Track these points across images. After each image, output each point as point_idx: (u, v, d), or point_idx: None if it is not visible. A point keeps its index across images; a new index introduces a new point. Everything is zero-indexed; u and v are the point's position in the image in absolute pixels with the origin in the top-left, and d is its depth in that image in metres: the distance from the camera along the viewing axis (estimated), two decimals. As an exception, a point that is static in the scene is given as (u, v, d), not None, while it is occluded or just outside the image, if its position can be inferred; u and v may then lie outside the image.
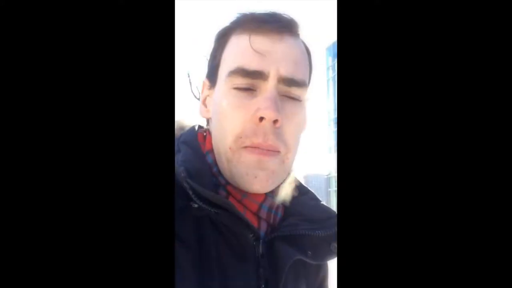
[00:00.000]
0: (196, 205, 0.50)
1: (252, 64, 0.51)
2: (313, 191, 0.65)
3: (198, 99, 0.64)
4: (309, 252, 0.56)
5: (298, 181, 0.65)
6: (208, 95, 0.60)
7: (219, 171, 0.55)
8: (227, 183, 0.55)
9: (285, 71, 0.51)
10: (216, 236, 0.51)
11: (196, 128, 0.62)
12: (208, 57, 0.61)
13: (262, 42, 0.52)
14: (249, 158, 0.51)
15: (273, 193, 0.57)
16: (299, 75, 0.53)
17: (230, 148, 0.52)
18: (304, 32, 0.57)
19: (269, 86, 0.51)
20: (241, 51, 0.53)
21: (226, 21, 0.57)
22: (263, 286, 0.52)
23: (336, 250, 0.57)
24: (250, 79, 0.51)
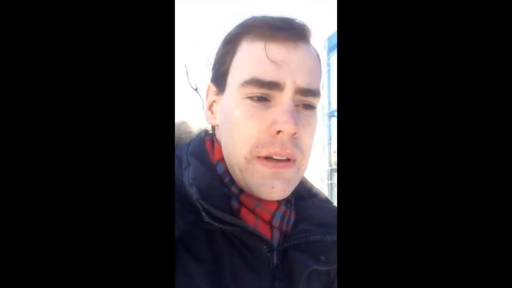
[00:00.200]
0: (208, 220, 0.49)
1: (268, 74, 0.49)
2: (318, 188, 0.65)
3: (195, 89, 0.62)
4: (322, 257, 0.56)
5: (309, 182, 0.65)
6: (214, 101, 0.58)
7: (231, 181, 0.55)
8: (240, 192, 0.54)
9: (302, 82, 0.50)
10: (230, 250, 0.51)
11: (203, 134, 0.61)
12: (213, 61, 0.59)
13: (277, 51, 0.50)
14: (264, 169, 0.50)
15: (285, 200, 0.56)
16: (314, 84, 0.52)
17: (245, 158, 0.51)
18: (315, 38, 0.56)
19: (285, 97, 0.50)
20: (255, 60, 0.51)
21: (235, 25, 0.55)
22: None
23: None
24: (265, 89, 0.50)
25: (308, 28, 0.54)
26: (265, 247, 0.52)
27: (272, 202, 0.54)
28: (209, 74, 0.63)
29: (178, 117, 0.66)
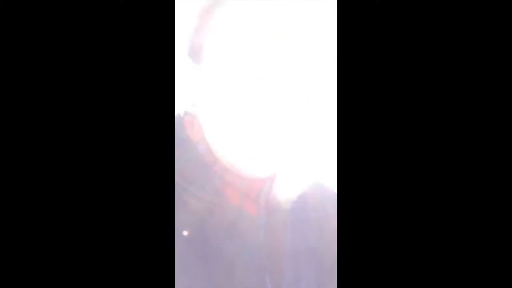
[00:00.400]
0: (193, 201, 0.49)
1: (239, 52, 0.49)
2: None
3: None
4: (310, 234, 0.56)
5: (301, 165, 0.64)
6: (190, 75, 0.56)
7: (214, 160, 0.53)
8: (224, 171, 0.53)
9: (275, 49, 0.49)
10: (216, 227, 0.51)
11: (182, 114, 0.59)
12: (189, 35, 0.57)
13: (259, 5, 0.49)
14: (245, 143, 0.50)
15: (271, 177, 0.56)
16: (289, 53, 0.51)
17: (224, 135, 0.50)
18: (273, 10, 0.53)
19: (261, 71, 0.49)
20: (235, 18, 0.50)
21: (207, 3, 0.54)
22: (268, 277, 0.52)
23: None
24: (240, 68, 0.49)
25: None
26: (250, 224, 0.52)
27: (257, 180, 0.54)
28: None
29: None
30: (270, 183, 0.55)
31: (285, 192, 0.58)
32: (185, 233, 0.49)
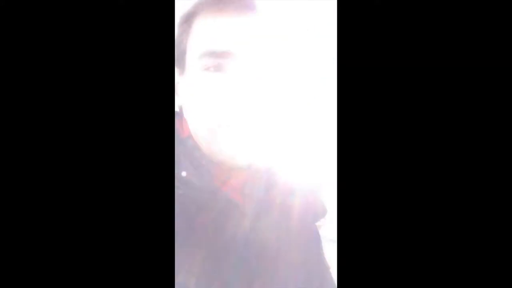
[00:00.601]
0: (180, 191, 0.50)
1: (220, 45, 0.51)
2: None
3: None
4: (294, 216, 0.57)
5: (287, 158, 0.65)
6: (178, 83, 0.60)
7: (201, 155, 0.56)
8: (211, 165, 0.55)
9: (254, 49, 0.51)
10: (203, 216, 0.52)
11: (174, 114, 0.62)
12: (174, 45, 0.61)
13: (227, 22, 0.52)
14: (227, 135, 0.51)
15: (256, 168, 0.57)
16: (267, 51, 0.53)
17: (207, 129, 0.52)
18: (271, 10, 0.56)
19: (240, 66, 0.51)
20: (207, 33, 0.53)
21: (188, 6, 0.57)
22: (254, 265, 0.53)
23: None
24: (220, 59, 0.51)
25: (257, 2, 0.54)
26: (237, 212, 0.53)
27: (242, 173, 0.55)
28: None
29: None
30: (256, 174, 0.57)
31: (275, 185, 0.60)
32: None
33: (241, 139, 0.52)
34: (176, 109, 0.63)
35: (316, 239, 0.65)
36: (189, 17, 0.56)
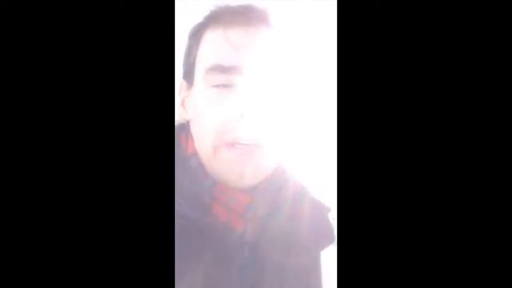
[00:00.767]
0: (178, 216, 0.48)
1: (228, 59, 0.49)
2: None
3: None
4: (295, 250, 0.55)
5: (286, 171, 0.62)
6: (186, 96, 0.58)
7: (204, 174, 0.54)
8: (212, 186, 0.53)
9: (265, 64, 0.50)
10: (201, 240, 0.50)
11: (179, 130, 0.60)
12: (183, 57, 0.59)
13: (237, 35, 0.50)
14: (230, 155, 0.50)
15: (259, 192, 0.55)
16: (279, 67, 0.51)
17: (212, 146, 0.50)
18: (283, 23, 0.54)
19: (248, 82, 0.50)
20: (216, 46, 0.51)
21: (200, 17, 0.55)
22: None
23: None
24: (228, 74, 0.50)
25: (271, 12, 0.53)
26: (236, 240, 0.52)
27: (245, 195, 0.53)
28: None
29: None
30: (260, 197, 0.55)
31: (275, 206, 0.57)
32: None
33: (247, 159, 0.50)
34: (176, 121, 0.61)
35: (316, 269, 0.61)
36: (199, 29, 0.54)
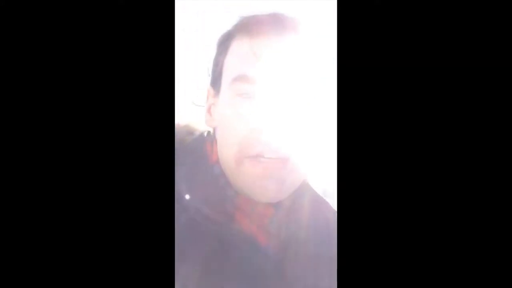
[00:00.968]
0: (199, 220, 0.48)
1: (253, 69, 0.49)
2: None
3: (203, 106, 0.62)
4: (321, 270, 0.53)
5: (313, 190, 0.62)
6: (213, 104, 0.57)
7: (226, 183, 0.53)
8: (235, 195, 0.52)
9: (291, 74, 0.49)
10: (222, 254, 0.48)
11: (205, 135, 0.60)
12: (211, 64, 0.58)
13: (262, 44, 0.49)
14: (254, 169, 0.49)
15: (283, 205, 0.54)
16: (305, 76, 0.50)
17: (234, 159, 0.49)
18: (308, 31, 0.53)
19: (274, 92, 0.49)
20: (242, 56, 0.50)
21: (227, 26, 0.55)
22: None
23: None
24: (252, 85, 0.49)
25: (297, 21, 0.52)
26: (258, 253, 0.50)
27: (268, 207, 0.52)
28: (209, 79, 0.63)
29: (182, 120, 0.65)
30: (283, 210, 0.53)
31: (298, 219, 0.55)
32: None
33: (271, 174, 0.48)
34: (211, 131, 0.60)
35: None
36: (227, 38, 0.54)
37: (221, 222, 0.48)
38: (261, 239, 0.51)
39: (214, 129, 0.58)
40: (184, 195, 0.49)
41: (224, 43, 0.54)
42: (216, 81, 0.55)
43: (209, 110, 0.58)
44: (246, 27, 0.52)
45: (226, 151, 0.51)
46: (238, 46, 0.52)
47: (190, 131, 0.62)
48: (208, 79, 0.61)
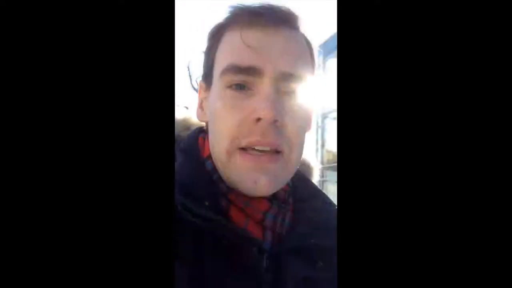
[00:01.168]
0: (190, 218, 0.46)
1: (245, 59, 0.47)
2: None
3: (197, 90, 0.60)
4: (320, 263, 0.52)
5: (312, 182, 0.61)
6: (204, 98, 0.56)
7: (219, 178, 0.52)
8: (228, 190, 0.51)
9: (284, 67, 0.48)
10: (216, 250, 0.47)
11: (198, 131, 0.59)
12: (203, 57, 0.57)
13: (255, 36, 0.48)
14: (245, 162, 0.48)
15: (279, 199, 0.53)
16: (298, 70, 0.49)
17: (226, 151, 0.49)
18: (305, 25, 0.53)
19: (266, 84, 0.47)
20: (233, 47, 0.49)
21: (219, 18, 0.54)
22: None
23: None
24: (243, 76, 0.48)
25: (293, 14, 0.51)
26: (254, 248, 0.48)
27: (262, 201, 0.51)
28: (197, 77, 0.62)
29: (178, 114, 0.65)
30: (278, 205, 0.52)
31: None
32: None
33: (263, 166, 0.47)
34: (204, 126, 0.59)
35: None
36: (219, 30, 0.53)
37: (214, 219, 0.46)
38: (256, 232, 0.50)
39: (207, 124, 0.57)
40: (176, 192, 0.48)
41: (216, 35, 0.53)
42: (207, 75, 0.54)
43: (200, 105, 0.58)
44: (239, 18, 0.50)
45: (218, 144, 0.50)
46: (229, 37, 0.51)
47: (186, 126, 0.62)
48: (187, 79, 0.60)
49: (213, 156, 0.52)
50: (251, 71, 0.47)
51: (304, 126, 0.53)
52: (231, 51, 0.49)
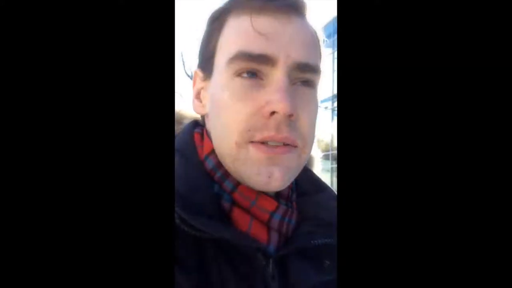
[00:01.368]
0: (187, 230, 0.43)
1: (256, 46, 0.44)
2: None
3: (191, 77, 0.55)
4: (327, 262, 0.50)
5: (316, 175, 0.58)
6: (202, 88, 0.52)
7: (223, 175, 0.49)
8: (234, 188, 0.48)
9: (298, 56, 0.45)
10: (220, 257, 0.45)
11: (192, 126, 0.55)
12: (200, 44, 0.53)
13: (267, 22, 0.45)
14: (259, 154, 0.44)
15: (285, 198, 0.51)
16: (312, 59, 0.46)
17: (235, 144, 0.45)
18: (311, 14, 0.50)
19: (279, 74, 0.44)
20: (242, 33, 0.45)
21: (220, 2, 0.50)
22: None
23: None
24: (255, 64, 0.44)
25: (302, 2, 0.48)
26: (259, 253, 0.46)
27: (270, 200, 0.48)
28: (190, 65, 0.59)
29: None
30: (285, 204, 0.50)
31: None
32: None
33: (277, 160, 0.45)
34: (199, 119, 0.55)
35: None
36: (221, 15, 0.49)
37: (213, 226, 0.44)
38: (262, 234, 0.47)
39: (204, 117, 0.53)
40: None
41: (217, 20, 0.49)
42: (207, 62, 0.50)
43: (197, 96, 0.53)
44: (246, 3, 0.47)
45: (227, 138, 0.46)
46: (236, 23, 0.47)
47: (179, 121, 0.58)
48: (181, 68, 0.56)
49: (218, 151, 0.49)
50: (263, 59, 0.44)
51: (315, 119, 0.50)
52: (239, 37, 0.46)
